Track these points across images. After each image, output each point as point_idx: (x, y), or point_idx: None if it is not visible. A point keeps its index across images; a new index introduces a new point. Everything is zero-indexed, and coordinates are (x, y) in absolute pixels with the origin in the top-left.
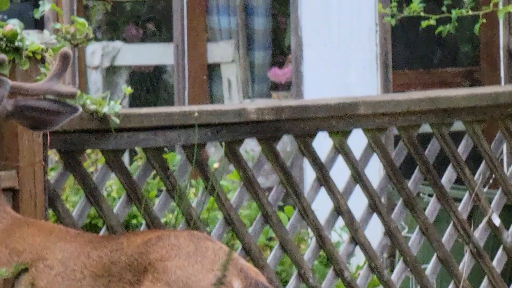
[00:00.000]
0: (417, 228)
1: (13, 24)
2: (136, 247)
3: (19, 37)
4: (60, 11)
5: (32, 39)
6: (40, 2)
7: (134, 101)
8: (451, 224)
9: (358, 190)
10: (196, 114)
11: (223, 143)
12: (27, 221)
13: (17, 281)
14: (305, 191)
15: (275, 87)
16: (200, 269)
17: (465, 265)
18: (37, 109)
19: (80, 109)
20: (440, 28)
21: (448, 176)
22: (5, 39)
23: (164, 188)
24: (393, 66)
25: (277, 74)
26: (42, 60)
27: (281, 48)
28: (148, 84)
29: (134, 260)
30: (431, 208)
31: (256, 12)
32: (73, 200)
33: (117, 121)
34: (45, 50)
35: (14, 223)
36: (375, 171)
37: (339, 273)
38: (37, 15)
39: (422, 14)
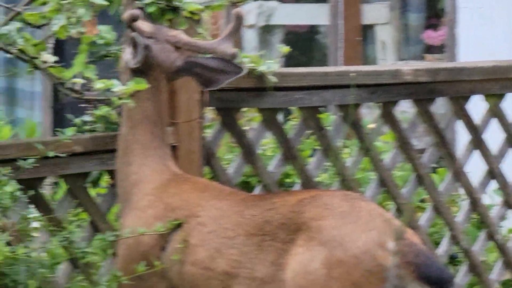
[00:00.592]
0: None
1: None
2: (290, 206)
3: None
4: None
5: None
6: None
7: (288, 60)
8: None
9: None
10: (352, 74)
11: (379, 104)
12: (185, 177)
13: (170, 237)
14: (458, 153)
15: (429, 49)
16: (354, 229)
17: None
18: (205, 67)
19: (244, 70)
20: None
21: None
22: None
23: (318, 148)
24: None
25: (431, 36)
26: (200, 20)
27: (435, 10)
28: (302, 44)
29: (288, 219)
30: None
31: None
32: (228, 157)
33: (274, 79)
34: (202, 10)
35: (171, 178)
36: None
37: (490, 236)
38: None
39: None
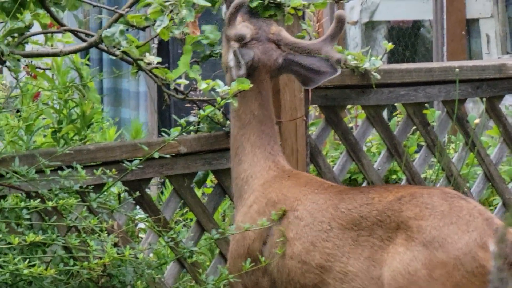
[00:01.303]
0: None
1: None
2: (387, 203)
3: None
4: None
5: None
6: None
7: (393, 56)
8: None
9: None
10: (456, 69)
11: (484, 99)
12: (290, 173)
13: (271, 231)
14: None
15: None
16: (456, 230)
17: None
18: (301, 65)
19: (339, 71)
20: None
21: None
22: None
23: (424, 144)
24: None
25: None
26: (303, 17)
27: None
28: (407, 39)
29: (386, 216)
30: None
31: None
32: (333, 155)
33: (378, 76)
34: (306, 7)
35: (277, 174)
36: None
37: None
38: None
39: None
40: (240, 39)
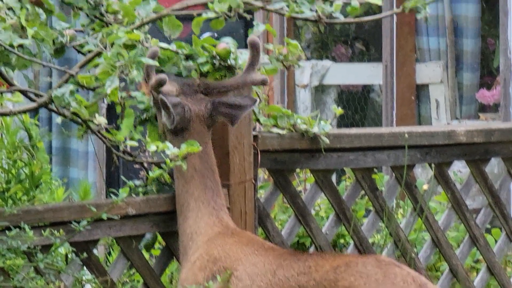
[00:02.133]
0: None
1: (227, 43)
2: (324, 273)
3: (232, 56)
4: (274, 32)
5: (244, 58)
6: (255, 23)
7: (342, 119)
8: None
9: None
10: (406, 135)
11: (433, 165)
12: (234, 231)
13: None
14: None
15: (483, 108)
16: None
17: None
18: (227, 104)
19: (258, 100)
20: None
21: None
22: (218, 57)
23: (372, 209)
24: None
25: (485, 96)
26: None
27: (489, 69)
28: (356, 103)
29: (322, 286)
30: None
31: (465, 33)
32: (282, 218)
33: (327, 141)
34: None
35: (222, 232)
36: None
37: None
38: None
39: None
40: (161, 83)
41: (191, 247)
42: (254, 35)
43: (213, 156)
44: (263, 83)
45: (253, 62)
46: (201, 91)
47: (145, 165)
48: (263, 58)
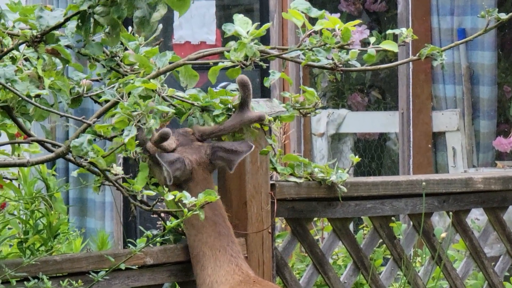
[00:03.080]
0: None
1: None
2: None
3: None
4: (290, 81)
5: (261, 109)
6: (271, 71)
7: (359, 168)
8: None
9: None
10: (423, 183)
11: (450, 213)
12: (255, 280)
13: None
14: None
15: (500, 156)
16: None
17: None
18: (225, 149)
19: (253, 147)
20: None
21: None
22: (234, 109)
23: (390, 257)
24: None
25: (502, 143)
26: (270, 131)
27: (506, 117)
28: (373, 151)
29: None
30: None
31: (482, 81)
32: (300, 267)
33: (345, 189)
34: (272, 121)
35: (243, 280)
36: None
37: None
38: (266, 84)
39: None
40: (164, 138)
41: None
42: (242, 75)
43: (221, 202)
44: (260, 119)
45: (245, 101)
46: (196, 139)
47: (162, 214)
48: (280, 106)
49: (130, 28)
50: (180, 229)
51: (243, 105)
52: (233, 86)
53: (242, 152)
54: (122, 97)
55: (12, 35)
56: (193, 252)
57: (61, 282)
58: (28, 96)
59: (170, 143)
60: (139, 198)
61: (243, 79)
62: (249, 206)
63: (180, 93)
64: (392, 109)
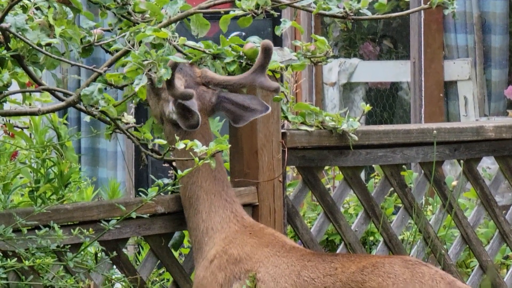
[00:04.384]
0: None
1: (254, 42)
2: (350, 274)
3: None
4: (301, 29)
5: (272, 58)
6: (282, 20)
7: (370, 117)
8: None
9: None
10: (434, 132)
11: (461, 161)
12: (251, 229)
13: None
14: None
15: (511, 105)
16: None
17: None
18: (233, 102)
19: (270, 109)
20: None
21: None
22: (245, 57)
23: (401, 205)
24: None
25: None
26: (281, 79)
27: None
28: (384, 101)
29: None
30: None
31: (493, 30)
32: (311, 216)
33: (356, 138)
34: (284, 69)
35: (239, 230)
36: None
37: None
38: (278, 32)
39: None
40: (188, 98)
41: (206, 243)
42: (268, 40)
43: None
44: (275, 91)
45: (263, 65)
46: (202, 83)
47: (174, 163)
48: (291, 55)
49: None
50: None
51: (260, 68)
52: (252, 38)
53: (257, 111)
54: (133, 46)
55: None
56: (186, 194)
57: (72, 230)
58: (39, 45)
59: (179, 85)
60: (150, 146)
61: (268, 44)
62: (260, 155)
63: (191, 42)
64: (404, 58)
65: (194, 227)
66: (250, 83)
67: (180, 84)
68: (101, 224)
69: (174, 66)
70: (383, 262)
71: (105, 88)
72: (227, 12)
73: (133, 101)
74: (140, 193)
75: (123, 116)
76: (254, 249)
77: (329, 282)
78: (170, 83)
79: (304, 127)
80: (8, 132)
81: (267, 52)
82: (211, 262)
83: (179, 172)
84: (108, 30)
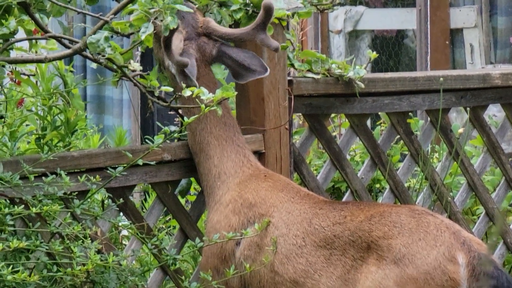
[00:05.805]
0: None
1: None
2: (358, 223)
3: None
4: None
5: (278, 5)
6: None
7: (377, 65)
8: None
9: None
10: (441, 79)
11: (468, 108)
12: (266, 173)
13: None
14: None
15: None
16: (424, 245)
17: None
18: (233, 59)
19: (268, 71)
20: None
21: None
22: (252, 4)
23: (407, 153)
24: None
25: None
26: (287, 26)
27: None
28: (390, 49)
29: (357, 236)
30: None
31: None
32: (317, 163)
33: (362, 85)
34: (291, 17)
35: (253, 174)
36: None
37: None
38: None
39: None
40: (183, 66)
41: (219, 187)
42: (270, 1)
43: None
44: (275, 50)
45: (264, 22)
46: (203, 34)
47: (180, 110)
48: (297, 2)
49: None
50: None
51: (260, 25)
52: None
53: (255, 72)
54: None
55: None
56: (196, 140)
57: (79, 177)
58: None
59: (176, 45)
60: (156, 94)
61: (268, 5)
62: (266, 102)
63: None
64: (410, 6)
65: (205, 173)
66: (251, 39)
67: (179, 41)
68: (108, 171)
69: (172, 32)
70: (390, 212)
71: (112, 36)
72: None
73: (140, 48)
74: (147, 140)
75: (129, 63)
76: (269, 192)
77: (338, 230)
78: (167, 46)
79: (310, 75)
80: (14, 79)
81: (267, 12)
82: (226, 206)
83: (185, 119)
84: None
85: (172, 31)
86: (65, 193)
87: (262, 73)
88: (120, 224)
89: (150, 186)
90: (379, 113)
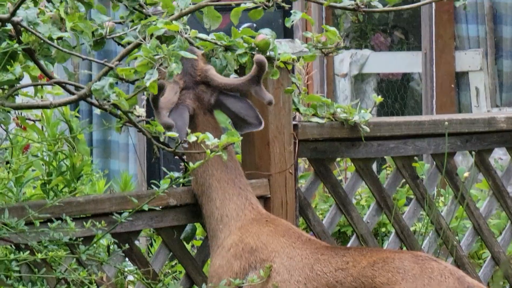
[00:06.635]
0: None
1: (265, 34)
2: (361, 269)
3: (271, 47)
4: (312, 21)
5: (283, 49)
6: (292, 11)
7: (382, 108)
8: None
9: None
10: (446, 123)
11: (473, 152)
12: (268, 218)
13: (245, 278)
14: None
15: None
16: None
17: None
18: (229, 110)
19: (263, 124)
20: None
21: None
22: (257, 48)
23: (413, 197)
24: None
25: None
26: (293, 70)
27: None
28: (396, 92)
29: (360, 283)
30: None
31: (505, 20)
32: (323, 208)
33: (367, 129)
34: (296, 60)
35: (255, 218)
36: None
37: None
38: (288, 24)
39: None
40: (168, 128)
41: (222, 230)
42: (261, 55)
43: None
44: (269, 103)
45: (258, 77)
46: (202, 82)
47: (184, 156)
48: (302, 46)
49: None
50: None
51: (254, 78)
52: (264, 30)
53: (251, 125)
54: (144, 38)
55: None
56: (198, 182)
57: (84, 223)
58: (50, 38)
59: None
60: (161, 139)
61: (260, 59)
62: (271, 147)
63: (203, 35)
64: (415, 49)
65: (208, 215)
66: (246, 90)
67: (173, 93)
68: (113, 217)
69: (161, 87)
70: (393, 257)
71: (116, 83)
72: (238, 5)
73: (145, 93)
74: (152, 186)
75: (134, 109)
76: (270, 238)
77: (341, 276)
78: (155, 105)
79: (315, 119)
80: (20, 125)
81: (260, 67)
82: (227, 251)
83: (190, 164)
84: (120, 23)
85: (160, 89)
86: (70, 239)
87: (256, 126)
88: (126, 269)
89: (155, 231)
90: (385, 157)
